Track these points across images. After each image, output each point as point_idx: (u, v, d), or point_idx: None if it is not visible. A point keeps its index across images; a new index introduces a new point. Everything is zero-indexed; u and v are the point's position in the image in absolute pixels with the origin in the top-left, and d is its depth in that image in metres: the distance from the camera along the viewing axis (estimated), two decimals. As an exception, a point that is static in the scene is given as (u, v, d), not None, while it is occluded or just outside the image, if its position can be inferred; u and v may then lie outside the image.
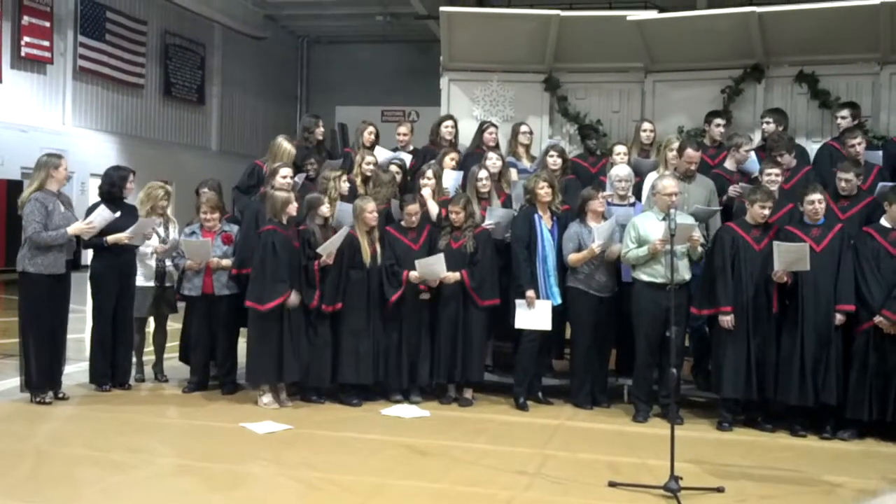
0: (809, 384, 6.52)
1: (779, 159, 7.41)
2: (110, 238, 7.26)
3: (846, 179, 6.95)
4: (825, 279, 6.53)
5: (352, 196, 7.64)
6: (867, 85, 8.43)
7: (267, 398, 7.13)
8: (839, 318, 6.49)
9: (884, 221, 6.55)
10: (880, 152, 7.71)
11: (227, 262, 7.52)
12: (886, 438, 6.48)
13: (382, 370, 7.34)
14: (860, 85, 8.44)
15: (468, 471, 5.59)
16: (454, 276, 7.24)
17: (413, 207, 7.43)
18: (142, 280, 7.76)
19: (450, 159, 8.18)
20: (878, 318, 6.34)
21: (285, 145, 8.06)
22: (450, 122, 8.72)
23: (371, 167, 8.01)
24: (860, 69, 8.45)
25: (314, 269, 7.11)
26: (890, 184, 6.90)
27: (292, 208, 7.17)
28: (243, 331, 7.54)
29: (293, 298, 7.02)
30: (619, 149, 8.00)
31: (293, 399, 7.30)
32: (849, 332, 6.54)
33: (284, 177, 7.50)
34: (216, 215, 7.66)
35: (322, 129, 8.93)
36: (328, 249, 7.08)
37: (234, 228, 7.73)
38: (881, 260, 6.46)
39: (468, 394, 7.44)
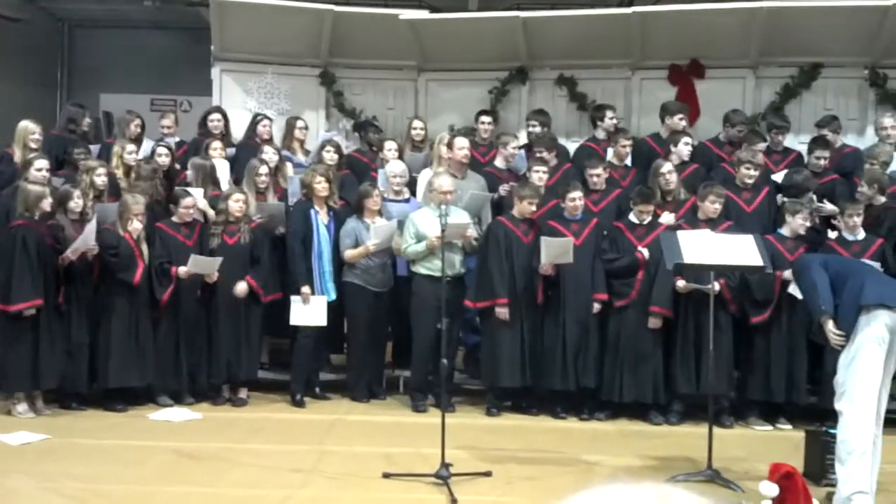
0: (571, 370, 6.96)
1: (541, 156, 7.81)
2: None
3: (596, 174, 7.46)
4: (584, 270, 6.98)
5: (112, 190, 7.29)
6: (620, 89, 9.08)
7: (22, 407, 6.67)
8: (596, 306, 6.97)
9: (632, 217, 7.09)
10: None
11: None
12: (637, 418, 7.03)
13: (152, 372, 7.05)
14: (614, 89, 9.07)
15: (242, 473, 5.50)
16: (241, 288, 7.13)
17: (190, 200, 7.20)
18: None
19: (212, 150, 7.98)
20: (652, 321, 6.83)
21: (23, 126, 7.57)
22: (217, 115, 8.48)
23: (133, 158, 7.69)
24: (614, 74, 9.09)
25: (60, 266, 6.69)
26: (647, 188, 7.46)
27: (46, 203, 6.72)
28: None
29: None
30: (390, 145, 8.12)
31: (51, 406, 6.86)
32: (605, 319, 7.03)
33: (39, 169, 7.02)
34: None
35: (89, 119, 8.47)
36: (76, 248, 6.67)
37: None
38: (631, 253, 6.99)
39: (243, 393, 7.31)
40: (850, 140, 8.34)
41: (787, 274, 6.51)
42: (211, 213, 7.38)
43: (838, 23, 8.39)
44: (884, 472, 5.11)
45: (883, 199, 7.16)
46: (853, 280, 5.04)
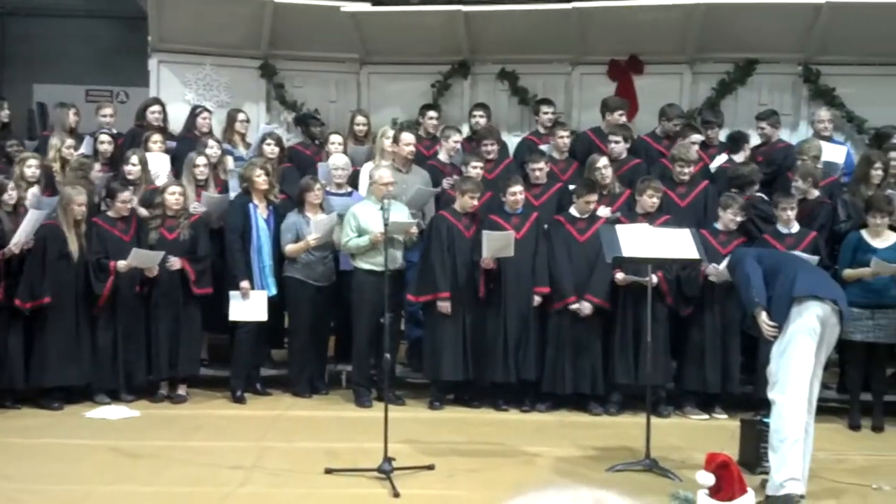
0: (512, 362, 7.01)
1: (484, 148, 7.84)
2: None
3: (538, 168, 7.51)
4: (524, 264, 7.03)
5: (48, 183, 7.14)
6: (561, 84, 9.16)
7: (-47, 407, 6.50)
8: (536, 299, 7.03)
9: (573, 210, 7.16)
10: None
11: None
12: (577, 409, 7.11)
13: (90, 370, 6.92)
14: (555, 83, 9.15)
15: (182, 470, 5.44)
16: (175, 261, 6.99)
17: (126, 195, 7.08)
18: None
19: (152, 143, 7.85)
20: (583, 305, 6.90)
21: None
22: (156, 107, 8.34)
23: (71, 152, 7.53)
24: (555, 69, 9.17)
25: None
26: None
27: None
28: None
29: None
30: (335, 138, 8.08)
31: (-17, 406, 6.71)
32: (545, 312, 7.09)
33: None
34: None
35: (7, 110, 8.26)
36: (17, 242, 6.52)
37: None
38: (571, 246, 7.07)
39: (182, 390, 7.21)
40: (784, 135, 8.52)
41: (710, 269, 6.64)
42: (143, 212, 7.25)
43: (773, 20, 8.58)
44: (816, 459, 5.27)
45: (817, 193, 7.34)
46: (786, 272, 5.18)
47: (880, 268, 6.54)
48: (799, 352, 4.99)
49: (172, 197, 7.09)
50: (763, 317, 5.14)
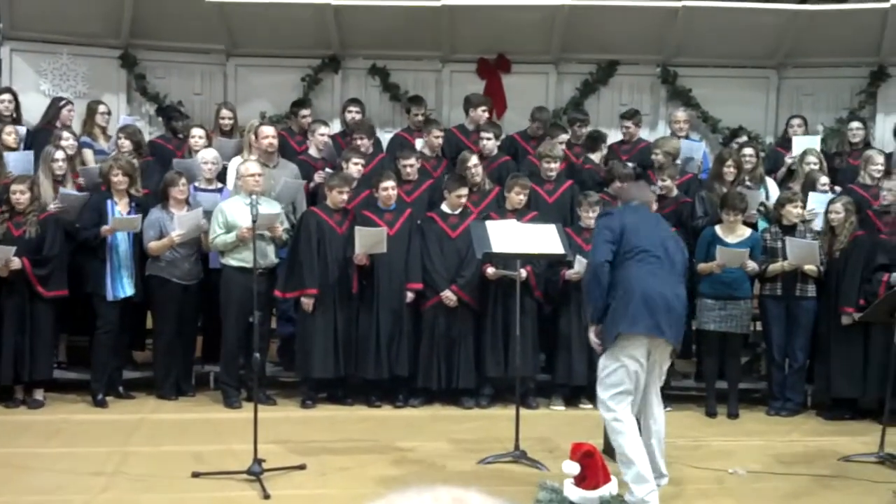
0: (385, 358, 7.02)
1: (358, 142, 7.81)
2: None
3: (409, 164, 7.54)
4: (397, 260, 7.04)
5: None
6: (431, 81, 9.21)
7: None
8: (409, 295, 7.05)
9: (444, 207, 7.22)
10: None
11: None
12: (449, 403, 7.18)
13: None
14: (426, 80, 9.20)
15: (38, 479, 5.21)
16: (16, 260, 6.63)
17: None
18: None
19: (6, 135, 7.45)
20: (444, 294, 6.99)
21: None
22: (7, 96, 7.91)
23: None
24: (425, 66, 9.22)
25: None
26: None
27: None
28: None
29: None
30: (196, 132, 7.85)
31: None
32: (418, 308, 7.13)
33: None
34: None
35: None
36: None
37: None
38: (443, 242, 7.13)
39: (38, 394, 6.87)
40: (643, 134, 8.85)
41: (569, 273, 6.88)
42: None
43: (632, 22, 8.89)
44: (674, 446, 5.51)
45: (676, 192, 7.66)
46: (627, 285, 4.90)
47: (725, 257, 6.85)
48: (621, 377, 4.88)
49: (14, 195, 6.72)
50: (591, 335, 5.10)
